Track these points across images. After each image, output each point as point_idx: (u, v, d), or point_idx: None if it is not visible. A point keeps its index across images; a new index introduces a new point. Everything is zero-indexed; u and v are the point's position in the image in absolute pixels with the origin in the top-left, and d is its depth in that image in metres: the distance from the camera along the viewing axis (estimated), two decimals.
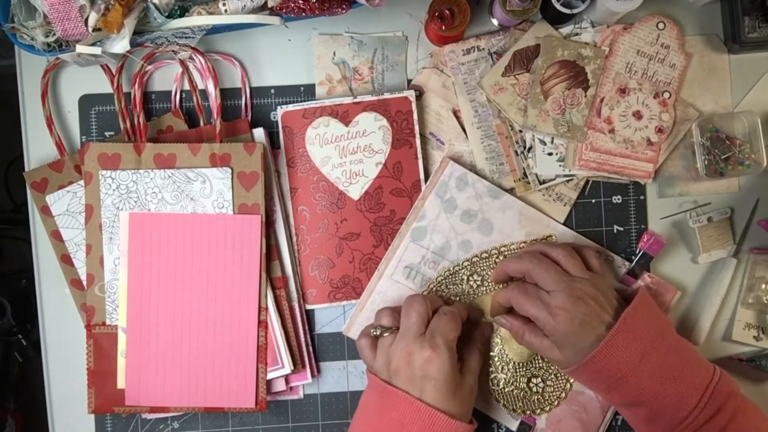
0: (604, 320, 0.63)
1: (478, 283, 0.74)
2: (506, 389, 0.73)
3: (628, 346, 0.61)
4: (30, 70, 0.75)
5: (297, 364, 0.73)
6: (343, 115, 0.74)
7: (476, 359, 0.68)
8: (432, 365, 0.61)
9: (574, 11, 0.71)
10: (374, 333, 0.66)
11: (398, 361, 0.62)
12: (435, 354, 0.61)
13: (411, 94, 0.74)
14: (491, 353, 0.73)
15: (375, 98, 0.74)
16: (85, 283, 0.72)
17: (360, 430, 0.65)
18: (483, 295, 0.74)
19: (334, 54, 0.76)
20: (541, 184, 0.75)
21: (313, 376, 0.74)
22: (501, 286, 0.73)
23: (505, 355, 0.73)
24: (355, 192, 0.74)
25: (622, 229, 0.76)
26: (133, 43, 0.65)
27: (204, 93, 0.75)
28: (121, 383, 0.71)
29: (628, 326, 0.62)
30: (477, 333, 0.71)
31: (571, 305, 0.62)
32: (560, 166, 0.75)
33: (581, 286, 0.63)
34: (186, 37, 0.69)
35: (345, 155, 0.74)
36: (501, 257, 0.73)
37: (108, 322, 0.72)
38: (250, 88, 0.76)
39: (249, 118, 0.75)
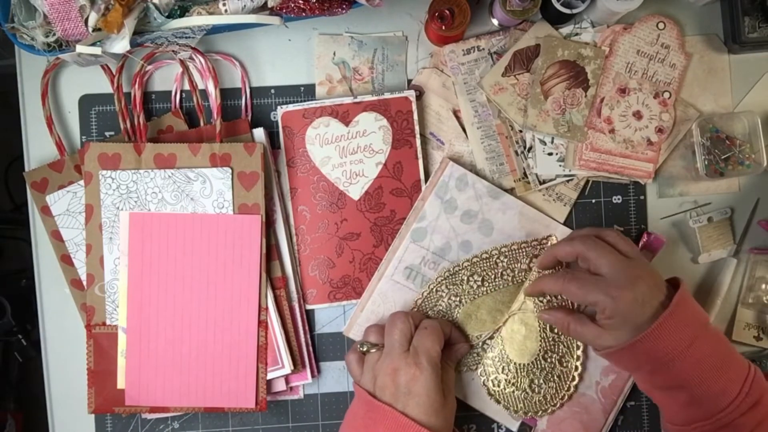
0: (659, 299, 0.62)
1: (479, 283, 0.74)
2: (507, 390, 0.73)
3: (680, 329, 0.61)
4: (30, 70, 0.75)
5: (297, 364, 0.73)
6: (343, 115, 0.74)
7: (452, 378, 0.69)
8: (416, 382, 0.62)
9: (574, 11, 0.71)
10: (361, 349, 0.68)
11: (384, 377, 0.63)
12: (419, 371, 0.63)
13: (411, 94, 0.74)
14: (491, 353, 0.73)
15: (375, 98, 0.74)
16: (85, 283, 0.72)
17: None
18: (483, 295, 0.74)
19: (334, 54, 0.76)
20: (541, 184, 0.75)
21: (313, 376, 0.74)
22: (538, 273, 0.73)
23: (505, 356, 0.73)
24: (355, 192, 0.74)
25: (622, 229, 0.76)
26: (133, 43, 0.65)
27: (204, 93, 0.75)
28: (121, 383, 0.71)
29: (680, 309, 0.61)
30: (452, 352, 0.71)
31: (631, 285, 0.61)
32: (560, 166, 0.75)
33: (637, 265, 0.63)
34: (186, 37, 0.69)
35: (345, 155, 0.74)
36: (501, 257, 0.73)
37: (108, 322, 0.72)
38: (250, 88, 0.76)
39: (249, 118, 0.75)
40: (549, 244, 0.74)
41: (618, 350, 0.63)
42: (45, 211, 0.73)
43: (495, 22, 0.76)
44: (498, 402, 0.73)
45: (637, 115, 0.74)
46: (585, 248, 0.65)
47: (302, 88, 0.76)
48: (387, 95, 0.74)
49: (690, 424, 0.63)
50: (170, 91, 0.75)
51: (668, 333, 0.61)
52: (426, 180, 0.75)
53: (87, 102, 0.75)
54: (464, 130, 0.76)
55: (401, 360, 0.64)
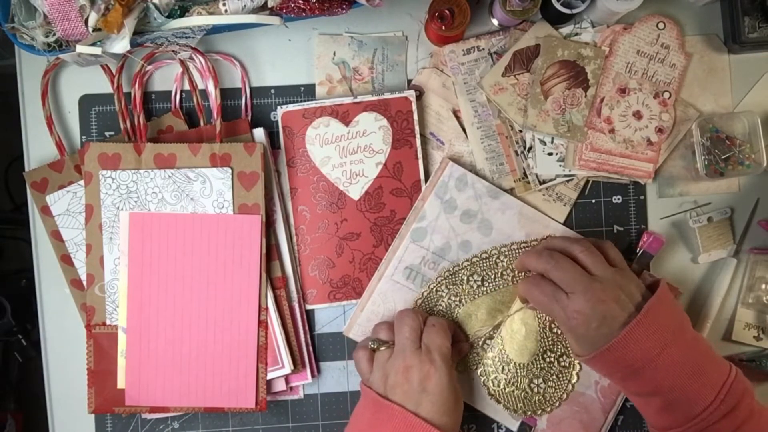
0: (624, 316, 0.62)
1: (479, 283, 0.74)
2: (507, 389, 0.73)
3: (648, 337, 0.61)
4: (30, 70, 0.75)
5: (297, 364, 0.73)
6: (343, 115, 0.74)
7: (456, 378, 0.68)
8: (430, 380, 0.62)
9: (574, 11, 0.71)
10: (372, 346, 0.67)
11: (396, 376, 0.63)
12: (433, 368, 0.63)
13: (411, 94, 0.74)
14: (491, 353, 0.73)
15: (375, 98, 0.74)
16: (85, 283, 0.72)
17: None
18: (483, 295, 0.74)
19: (334, 54, 0.76)
20: (541, 184, 0.75)
21: (313, 376, 0.74)
22: (523, 274, 0.73)
23: (505, 356, 0.73)
24: (355, 192, 0.74)
25: (622, 229, 0.76)
26: (133, 43, 0.65)
27: (204, 93, 0.75)
28: (121, 383, 0.71)
29: (649, 318, 0.61)
30: (453, 351, 0.70)
31: (589, 309, 0.62)
32: (560, 166, 0.75)
33: (601, 287, 0.63)
34: (186, 37, 0.69)
35: (345, 155, 0.74)
36: (501, 257, 0.73)
37: (108, 322, 0.72)
38: (250, 88, 0.76)
39: (249, 118, 0.75)
40: None
41: (588, 359, 0.64)
42: (45, 211, 0.73)
43: (495, 22, 0.76)
44: (498, 402, 0.73)
45: (637, 115, 0.74)
46: (548, 267, 0.66)
47: (302, 88, 0.76)
48: (387, 95, 0.74)
49: (666, 430, 0.63)
50: (170, 91, 0.75)
51: (635, 342, 0.61)
52: (426, 180, 0.75)
53: (87, 102, 0.75)
54: (464, 130, 0.76)
55: (414, 358, 0.63)
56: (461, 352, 0.72)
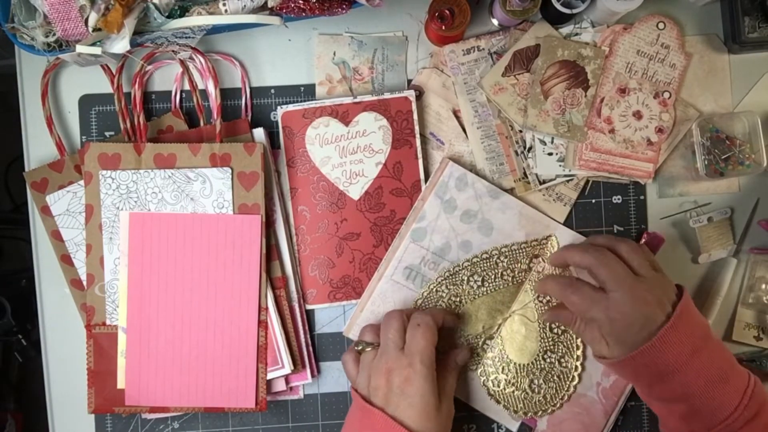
0: (661, 318, 0.61)
1: (479, 283, 0.74)
2: (507, 390, 0.73)
3: (680, 342, 0.60)
4: (30, 70, 0.75)
5: (297, 364, 0.73)
6: (343, 115, 0.74)
7: (451, 384, 0.67)
8: (410, 384, 0.62)
9: (574, 11, 0.71)
10: (357, 348, 0.67)
11: (378, 378, 0.63)
12: (413, 372, 0.62)
13: (411, 94, 0.74)
14: (491, 353, 0.73)
15: (375, 98, 0.74)
16: (85, 283, 0.72)
17: None
18: (483, 295, 0.74)
19: (334, 54, 0.76)
20: (541, 184, 0.75)
21: (313, 376, 0.74)
22: (538, 273, 0.73)
23: (505, 356, 0.73)
24: (355, 192, 0.74)
25: (622, 229, 0.76)
26: (133, 43, 0.65)
27: (204, 93, 0.75)
28: (121, 383, 0.71)
29: (683, 322, 0.61)
30: (452, 357, 0.70)
31: (631, 308, 0.60)
32: (560, 166, 0.75)
33: (645, 287, 0.62)
34: (186, 37, 0.69)
35: (345, 155, 0.74)
36: (501, 258, 0.73)
37: (108, 322, 0.72)
38: (250, 88, 0.76)
39: (249, 118, 0.75)
40: (549, 244, 0.74)
41: (616, 362, 0.63)
42: (45, 211, 0.73)
43: (495, 22, 0.76)
44: (498, 402, 0.73)
45: (637, 115, 0.74)
46: (596, 262, 0.64)
47: (302, 88, 0.76)
48: (387, 95, 0.74)
49: None
50: (170, 91, 0.75)
51: (667, 347, 0.60)
52: (426, 180, 0.75)
53: (87, 102, 0.75)
54: (464, 130, 0.76)
55: (396, 360, 0.63)
56: (461, 358, 0.70)
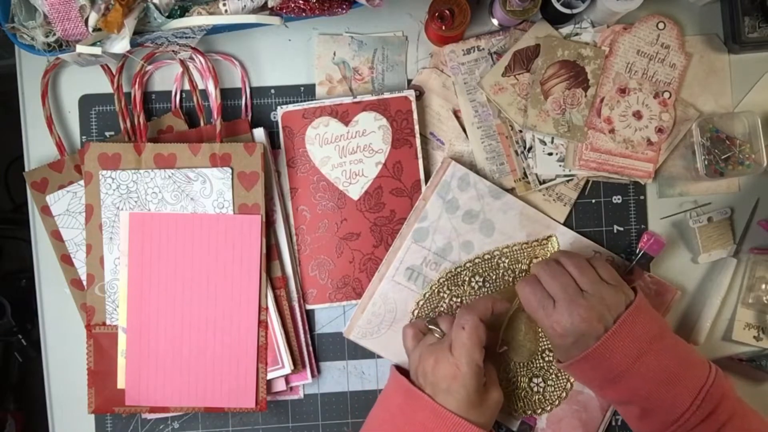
0: (600, 331, 0.62)
1: (480, 284, 0.74)
2: (507, 389, 0.73)
3: (623, 347, 0.62)
4: (30, 70, 0.75)
5: (297, 364, 0.73)
6: (343, 114, 0.74)
7: (493, 370, 0.68)
8: (455, 382, 0.62)
9: (574, 11, 0.71)
10: (430, 327, 0.68)
11: (427, 365, 0.64)
12: (458, 372, 0.62)
13: (411, 94, 0.74)
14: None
15: (375, 98, 0.74)
16: (85, 283, 0.72)
17: (382, 424, 0.65)
18: (484, 296, 0.74)
19: (334, 54, 0.76)
20: (541, 184, 0.75)
21: (313, 376, 0.74)
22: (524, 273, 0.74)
23: (505, 355, 0.73)
24: (355, 192, 0.74)
25: (622, 229, 0.76)
26: (133, 43, 0.65)
27: (204, 93, 0.75)
28: (121, 383, 0.71)
29: (625, 329, 0.62)
30: (492, 344, 0.71)
31: (569, 323, 0.62)
32: (560, 166, 0.75)
33: (586, 304, 0.62)
34: (186, 37, 0.69)
35: (345, 155, 0.74)
36: (503, 258, 0.73)
37: (108, 322, 0.72)
38: (250, 88, 0.76)
39: (249, 118, 0.75)
40: (549, 244, 0.74)
41: (565, 365, 0.65)
42: (45, 211, 0.73)
43: (495, 22, 0.76)
44: None
45: (637, 115, 0.74)
46: (541, 272, 0.66)
47: (302, 88, 0.76)
48: (387, 95, 0.74)
49: None
50: (170, 91, 0.75)
51: (610, 351, 0.62)
52: (426, 180, 0.74)
53: (87, 102, 0.75)
54: (464, 130, 0.76)
55: (445, 355, 0.63)
56: (500, 312, 0.70)
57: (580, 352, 0.63)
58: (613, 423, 0.75)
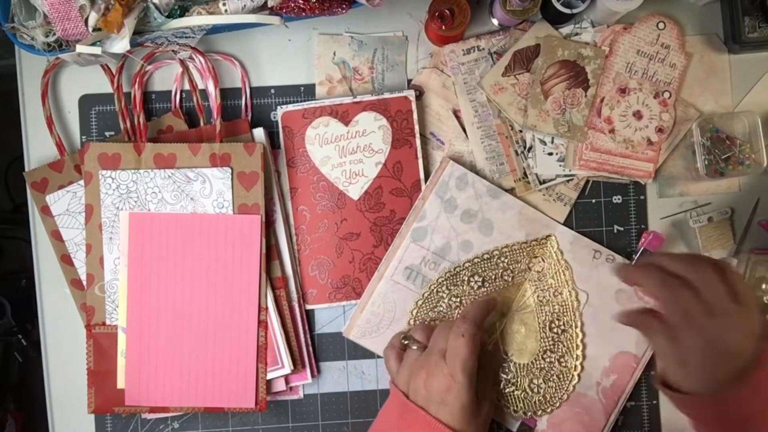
0: (737, 364, 0.53)
1: (479, 284, 0.74)
2: (507, 390, 0.73)
3: (760, 391, 0.53)
4: (30, 70, 0.75)
5: (297, 364, 0.73)
6: (343, 114, 0.74)
7: (490, 387, 0.68)
8: (450, 394, 0.61)
9: (574, 11, 0.71)
10: (404, 342, 0.67)
11: (418, 381, 0.63)
12: (453, 383, 0.61)
13: (411, 94, 0.74)
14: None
15: (375, 98, 0.74)
16: (85, 283, 0.72)
17: None
18: (484, 296, 0.74)
19: (334, 54, 0.76)
20: (541, 184, 0.75)
21: (313, 376, 0.74)
22: (538, 273, 0.73)
23: (505, 356, 0.73)
24: (354, 192, 0.74)
25: (622, 229, 0.76)
26: (133, 43, 0.65)
27: (204, 93, 0.75)
28: (121, 383, 0.71)
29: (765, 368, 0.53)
30: (489, 360, 0.70)
31: (695, 356, 0.54)
32: (560, 166, 0.75)
33: (715, 329, 0.54)
34: (186, 37, 0.69)
35: (345, 155, 0.74)
36: (502, 258, 0.73)
37: (108, 322, 0.72)
38: (250, 88, 0.76)
39: (249, 118, 0.75)
40: (548, 244, 0.74)
41: (691, 398, 0.56)
42: (45, 211, 0.73)
43: (495, 22, 0.76)
44: (498, 401, 0.73)
45: (637, 115, 0.74)
46: (666, 299, 0.57)
47: (302, 88, 0.76)
48: (387, 95, 0.74)
49: None
50: (170, 91, 0.75)
51: (747, 395, 0.53)
52: (426, 180, 0.74)
53: (87, 102, 0.75)
54: (464, 130, 0.76)
55: (438, 367, 0.62)
56: (497, 360, 0.69)
57: (729, 377, 0.52)
58: (615, 427, 0.75)
